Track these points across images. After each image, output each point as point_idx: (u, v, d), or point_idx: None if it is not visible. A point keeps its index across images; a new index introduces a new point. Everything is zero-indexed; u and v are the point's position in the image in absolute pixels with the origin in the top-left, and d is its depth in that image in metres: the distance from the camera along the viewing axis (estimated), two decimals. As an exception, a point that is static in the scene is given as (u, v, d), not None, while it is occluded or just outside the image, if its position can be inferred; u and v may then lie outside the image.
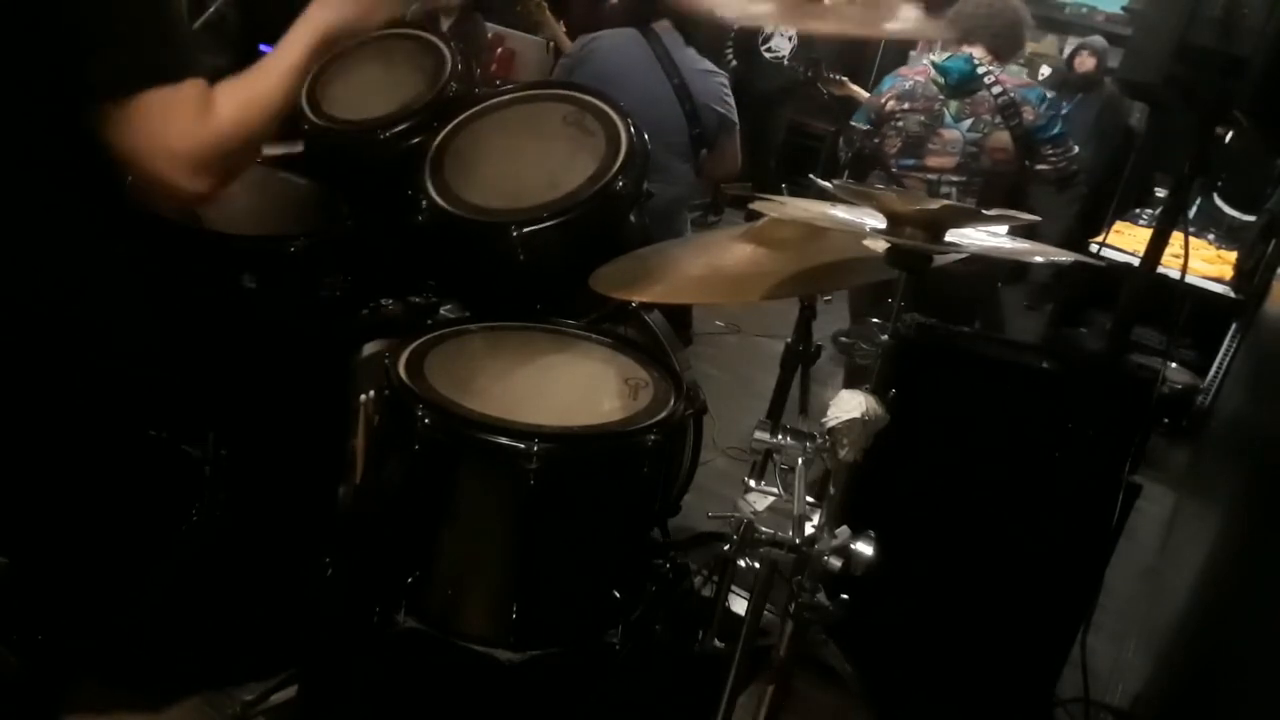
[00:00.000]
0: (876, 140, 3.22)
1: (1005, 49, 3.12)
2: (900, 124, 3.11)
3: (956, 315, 2.09)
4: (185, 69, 1.16)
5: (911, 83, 3.12)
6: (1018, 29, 3.13)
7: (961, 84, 3.03)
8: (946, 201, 1.14)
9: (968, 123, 3.04)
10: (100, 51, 1.12)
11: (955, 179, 3.07)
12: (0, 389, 1.21)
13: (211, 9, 2.42)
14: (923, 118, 3.07)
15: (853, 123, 3.30)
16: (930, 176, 3.08)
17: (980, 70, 3.03)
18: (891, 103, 3.14)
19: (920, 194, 2.98)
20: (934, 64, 3.08)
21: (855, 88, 4.19)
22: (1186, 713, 1.78)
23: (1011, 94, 3.02)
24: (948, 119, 3.06)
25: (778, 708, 1.28)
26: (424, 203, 1.82)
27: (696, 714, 1.45)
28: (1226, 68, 1.62)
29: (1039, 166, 3.10)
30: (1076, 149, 3.13)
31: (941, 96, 3.06)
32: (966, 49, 3.08)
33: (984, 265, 3.04)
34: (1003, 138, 3.03)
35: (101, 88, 1.12)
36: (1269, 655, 1.34)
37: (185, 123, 1.15)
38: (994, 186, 3.09)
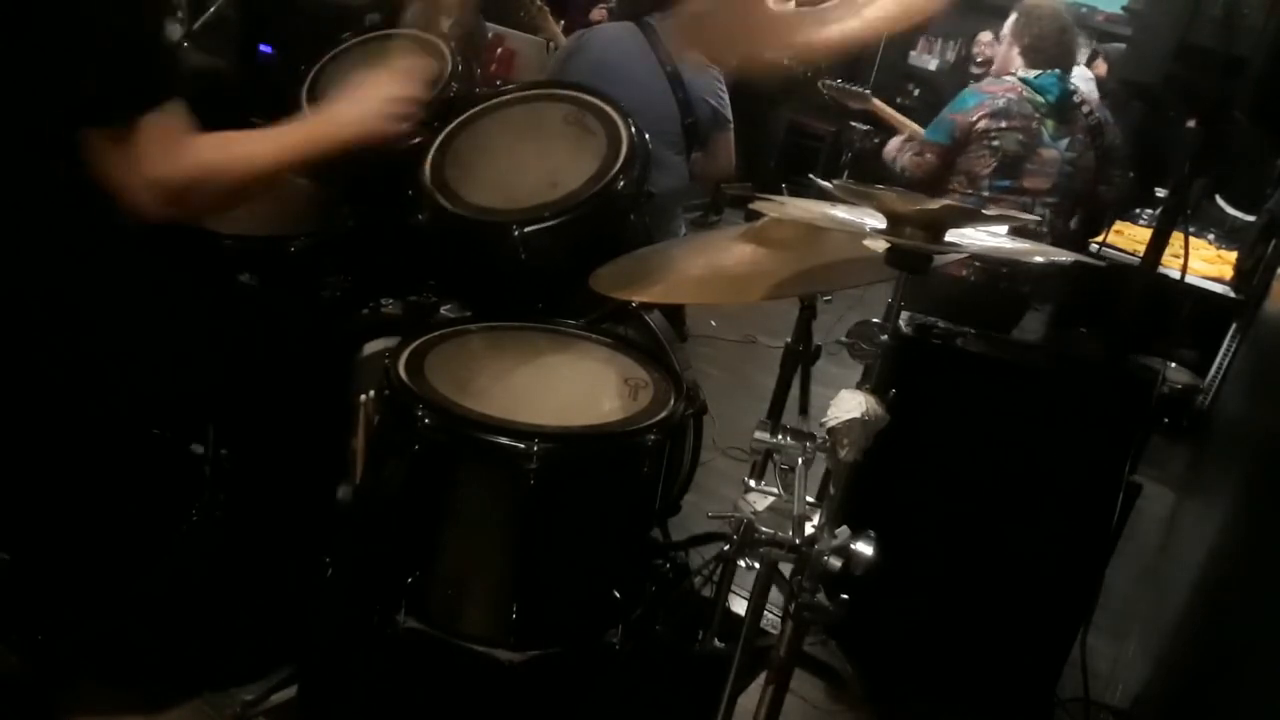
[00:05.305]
0: (923, 155, 3.09)
1: (1069, 63, 3.04)
2: (996, 142, 2.94)
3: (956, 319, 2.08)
4: (166, 93, 1.17)
5: (1005, 100, 2.95)
6: (1071, 37, 3.03)
7: (1061, 102, 2.93)
8: (947, 201, 1.14)
9: (1065, 142, 2.94)
10: (84, 77, 1.13)
11: (1049, 200, 2.96)
12: (2, 390, 1.21)
13: (211, 9, 2.41)
14: (1021, 136, 2.92)
15: (932, 138, 3.08)
16: (1025, 199, 2.95)
17: (1069, 88, 2.96)
18: (985, 120, 2.95)
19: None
20: (1027, 81, 2.95)
21: (889, 110, 3.74)
22: (1186, 713, 1.78)
23: (1098, 114, 2.94)
24: (1045, 138, 2.94)
25: (778, 708, 1.28)
26: (424, 203, 1.82)
27: (696, 714, 1.45)
28: (1226, 68, 1.62)
29: (1101, 187, 3.03)
30: (1132, 174, 3.06)
31: (1038, 115, 2.93)
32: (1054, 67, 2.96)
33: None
34: (1090, 158, 2.95)
35: (85, 114, 1.14)
36: (1269, 655, 1.34)
37: (160, 153, 1.18)
38: (1078, 208, 3.02)
